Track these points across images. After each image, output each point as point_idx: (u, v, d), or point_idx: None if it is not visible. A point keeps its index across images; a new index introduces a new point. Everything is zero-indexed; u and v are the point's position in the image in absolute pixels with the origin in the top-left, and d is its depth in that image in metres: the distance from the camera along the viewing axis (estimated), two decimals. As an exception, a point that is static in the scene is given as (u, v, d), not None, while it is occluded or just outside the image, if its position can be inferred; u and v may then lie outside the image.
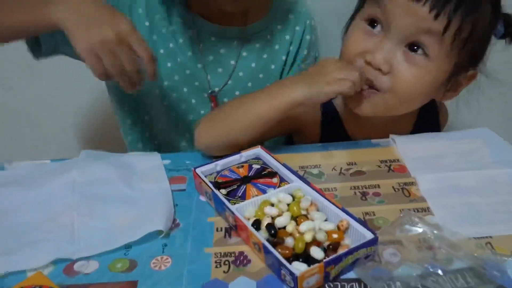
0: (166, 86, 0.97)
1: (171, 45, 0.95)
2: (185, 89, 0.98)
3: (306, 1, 1.03)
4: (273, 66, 1.00)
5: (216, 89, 0.99)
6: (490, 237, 0.61)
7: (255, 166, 0.74)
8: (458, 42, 0.74)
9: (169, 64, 0.96)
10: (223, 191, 0.68)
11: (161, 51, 0.95)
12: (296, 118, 0.87)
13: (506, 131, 0.88)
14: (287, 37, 1.00)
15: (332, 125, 0.91)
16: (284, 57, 1.00)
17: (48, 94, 1.32)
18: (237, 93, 0.99)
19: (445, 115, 1.00)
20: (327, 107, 0.90)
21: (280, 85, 0.79)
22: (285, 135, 0.99)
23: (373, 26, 0.78)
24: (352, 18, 0.84)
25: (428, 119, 0.94)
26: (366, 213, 0.67)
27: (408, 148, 0.80)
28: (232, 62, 0.97)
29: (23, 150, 1.38)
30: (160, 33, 0.94)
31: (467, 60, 0.77)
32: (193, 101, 1.00)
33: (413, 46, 0.75)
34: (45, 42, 0.87)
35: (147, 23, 0.93)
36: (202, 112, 1.01)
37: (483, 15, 0.74)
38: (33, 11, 0.75)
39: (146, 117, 1.05)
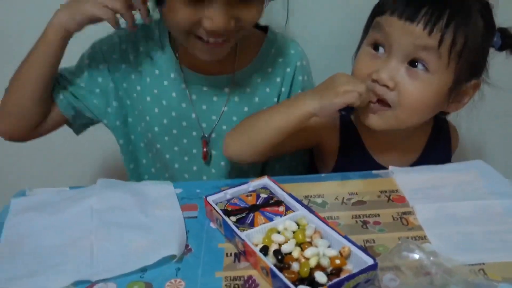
0: (157, 131, 1.03)
1: (163, 102, 1.01)
2: (174, 131, 1.03)
3: (295, 43, 1.06)
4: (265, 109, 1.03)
5: (213, 135, 1.03)
6: (483, 263, 0.65)
7: (263, 195, 0.78)
8: (454, 54, 0.82)
9: (156, 110, 1.02)
10: (233, 218, 0.73)
11: (148, 98, 1.01)
12: (315, 130, 0.96)
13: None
14: (278, 79, 1.02)
15: (350, 139, 0.98)
16: (275, 99, 1.03)
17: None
18: None
19: (456, 137, 1.06)
20: (345, 122, 0.98)
21: (295, 98, 0.90)
22: (307, 147, 1.05)
23: (377, 49, 0.87)
24: (359, 46, 0.93)
25: (440, 138, 1.01)
26: (367, 241, 0.71)
27: (407, 179, 0.84)
28: (225, 108, 1.01)
29: (34, 178, 1.42)
30: (146, 81, 1.01)
31: (467, 71, 0.85)
32: (185, 141, 1.04)
33: (414, 62, 0.84)
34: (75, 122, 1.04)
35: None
36: (194, 151, 1.05)
37: (475, 28, 0.83)
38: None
39: (144, 161, 1.10)
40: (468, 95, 0.90)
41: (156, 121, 1.02)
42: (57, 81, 0.99)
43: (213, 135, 1.03)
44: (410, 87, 0.84)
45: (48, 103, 0.98)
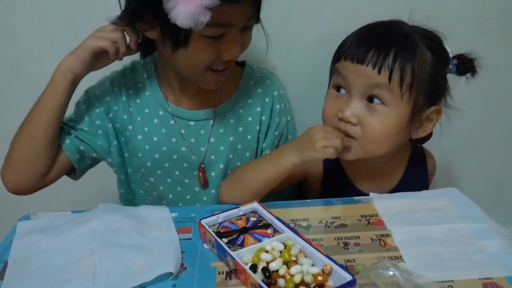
0: (150, 166, 1.10)
1: (154, 138, 1.08)
2: (166, 164, 1.09)
3: (271, 75, 1.15)
4: (249, 137, 1.10)
5: (202, 165, 1.09)
6: (452, 280, 0.72)
7: (252, 219, 0.85)
8: (405, 87, 0.90)
9: (147, 146, 1.08)
10: (225, 239, 0.79)
11: (139, 136, 1.08)
12: (302, 168, 1.04)
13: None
14: (258, 109, 1.10)
15: (333, 168, 1.07)
16: (258, 127, 1.10)
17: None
18: (221, 166, 1.09)
19: (433, 163, 1.13)
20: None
21: (279, 151, 0.97)
22: (296, 182, 1.13)
23: (339, 91, 0.97)
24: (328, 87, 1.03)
25: (417, 166, 1.09)
26: (348, 260, 0.78)
27: (385, 204, 0.91)
28: (212, 139, 1.08)
29: (35, 203, 1.47)
30: (137, 120, 1.08)
31: (423, 99, 0.93)
32: (177, 173, 1.10)
33: (371, 98, 0.92)
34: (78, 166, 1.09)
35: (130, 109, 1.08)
36: (186, 181, 1.11)
37: (422, 60, 0.91)
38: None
39: (140, 191, 1.17)
40: (432, 121, 0.97)
41: (148, 157, 1.09)
42: (61, 128, 1.03)
43: (203, 165, 1.09)
44: (371, 120, 0.92)
45: (56, 147, 1.03)
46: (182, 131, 1.07)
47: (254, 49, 1.08)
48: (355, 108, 0.92)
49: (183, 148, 1.08)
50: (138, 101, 1.08)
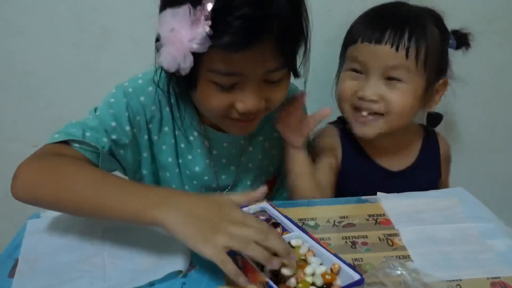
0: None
1: (189, 157, 1.02)
2: (195, 182, 1.04)
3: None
4: (274, 152, 1.09)
5: (229, 187, 1.06)
6: (460, 280, 0.72)
7: (261, 218, 0.85)
8: (420, 64, 0.98)
9: (187, 172, 1.03)
10: (234, 238, 0.79)
11: (169, 159, 1.01)
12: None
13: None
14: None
15: (352, 149, 1.13)
16: (282, 141, 1.06)
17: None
18: (249, 182, 1.08)
19: (445, 147, 1.19)
20: (344, 136, 1.13)
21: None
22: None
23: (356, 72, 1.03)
24: (338, 71, 1.11)
25: (431, 146, 1.16)
26: (355, 259, 0.78)
27: (393, 204, 0.92)
28: (242, 158, 1.06)
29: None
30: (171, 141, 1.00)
31: (434, 73, 1.01)
32: (203, 190, 1.06)
33: (390, 78, 0.99)
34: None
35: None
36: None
37: (432, 37, 0.99)
38: (134, 205, 0.74)
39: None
40: (440, 93, 1.06)
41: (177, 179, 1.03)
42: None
43: (231, 183, 1.07)
44: (393, 95, 0.99)
45: None
46: (215, 152, 1.04)
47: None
48: (375, 86, 0.99)
49: (214, 169, 1.04)
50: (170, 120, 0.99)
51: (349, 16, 1.25)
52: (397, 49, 0.96)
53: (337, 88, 1.09)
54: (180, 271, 0.75)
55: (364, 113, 1.02)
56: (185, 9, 0.74)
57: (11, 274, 0.77)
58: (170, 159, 1.02)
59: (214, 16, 0.73)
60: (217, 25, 0.73)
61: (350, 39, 1.03)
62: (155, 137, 1.00)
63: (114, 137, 0.93)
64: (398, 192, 0.95)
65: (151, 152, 1.01)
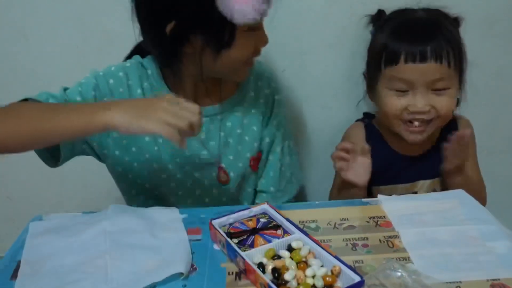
0: (171, 169, 1.08)
1: None
2: (187, 167, 1.09)
3: (268, 67, 1.19)
4: (254, 128, 1.12)
5: (216, 159, 1.09)
6: (460, 282, 0.73)
7: (262, 220, 0.86)
8: (456, 66, 1.05)
9: (168, 150, 1.06)
10: (235, 240, 0.80)
11: (160, 140, 1.06)
12: None
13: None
14: (261, 100, 1.13)
15: (373, 134, 1.21)
16: (261, 117, 1.13)
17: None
18: (231, 157, 1.11)
19: (466, 128, 1.19)
20: (370, 129, 1.22)
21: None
22: None
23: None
24: (370, 88, 1.17)
25: (450, 130, 1.13)
26: (356, 261, 0.78)
27: (393, 206, 0.92)
28: (222, 133, 1.10)
29: (47, 204, 1.50)
30: None
31: (462, 71, 1.09)
32: (197, 175, 1.10)
33: (436, 88, 1.05)
34: (64, 148, 0.96)
35: None
36: (206, 183, 1.11)
37: (456, 38, 1.07)
38: (82, 117, 0.82)
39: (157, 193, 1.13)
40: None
41: (170, 159, 1.07)
42: None
43: (215, 159, 1.10)
44: (442, 101, 1.06)
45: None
46: None
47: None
48: (425, 99, 1.05)
49: (196, 145, 1.08)
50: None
51: (349, 19, 1.26)
52: (440, 62, 1.02)
53: (376, 103, 1.15)
54: (182, 273, 0.76)
55: (417, 124, 1.08)
56: None
57: (14, 276, 0.78)
58: (147, 139, 1.06)
59: None
60: None
61: (389, 60, 1.06)
62: None
63: None
64: (419, 175, 1.16)
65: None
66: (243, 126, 1.12)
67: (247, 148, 1.12)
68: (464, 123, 1.21)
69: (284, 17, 1.27)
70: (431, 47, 1.02)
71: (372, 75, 1.13)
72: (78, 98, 0.99)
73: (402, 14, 1.11)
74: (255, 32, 0.96)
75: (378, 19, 1.16)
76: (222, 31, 0.91)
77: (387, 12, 1.16)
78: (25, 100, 0.94)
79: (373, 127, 1.23)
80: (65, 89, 1.02)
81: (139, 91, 1.04)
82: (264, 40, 1.00)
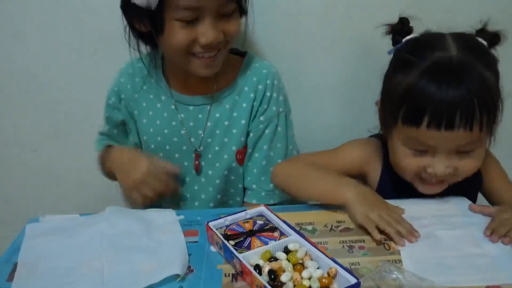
0: (153, 148, 1.17)
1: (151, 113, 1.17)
2: (167, 147, 1.16)
3: (270, 65, 1.16)
4: (243, 121, 1.13)
5: (201, 148, 1.15)
6: (455, 284, 0.72)
7: (259, 222, 0.86)
8: (489, 126, 0.87)
9: (151, 130, 1.17)
10: (232, 242, 0.80)
11: (144, 121, 1.17)
12: (360, 166, 1.06)
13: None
14: (252, 95, 1.13)
15: (391, 173, 1.01)
16: (249, 111, 1.14)
17: (70, 157, 1.45)
18: (216, 148, 1.14)
19: (490, 163, 1.04)
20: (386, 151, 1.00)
21: (340, 184, 0.94)
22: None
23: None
24: (384, 126, 0.98)
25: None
26: (352, 263, 0.79)
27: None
28: (209, 123, 1.13)
29: (44, 206, 1.49)
30: (142, 105, 1.17)
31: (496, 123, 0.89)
32: (177, 155, 1.16)
33: (462, 151, 0.88)
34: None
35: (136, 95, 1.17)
36: (186, 163, 1.16)
37: (492, 90, 0.86)
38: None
39: None
40: None
41: (152, 139, 1.17)
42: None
43: (201, 148, 1.15)
44: (466, 165, 0.89)
45: None
46: (182, 115, 1.14)
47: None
48: (447, 162, 0.88)
49: (182, 131, 1.14)
50: (144, 87, 1.16)
51: (346, 23, 1.26)
52: (470, 129, 0.84)
53: (389, 146, 0.97)
54: (178, 275, 0.76)
55: (434, 181, 0.92)
56: None
57: (10, 278, 0.78)
58: (144, 121, 1.17)
59: None
60: None
61: (408, 119, 0.87)
62: (131, 106, 1.18)
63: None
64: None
65: (134, 121, 1.19)
66: (231, 118, 1.13)
67: (233, 140, 1.14)
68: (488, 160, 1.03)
69: (281, 21, 1.27)
70: (461, 111, 0.82)
71: (387, 119, 0.95)
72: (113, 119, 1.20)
73: (431, 50, 0.88)
74: (194, 24, 0.97)
75: (401, 30, 0.98)
76: (154, 18, 0.97)
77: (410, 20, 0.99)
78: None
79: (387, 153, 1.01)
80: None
81: (129, 86, 1.17)
82: (205, 35, 0.98)
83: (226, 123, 1.13)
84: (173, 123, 1.14)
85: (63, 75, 1.35)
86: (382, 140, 1.04)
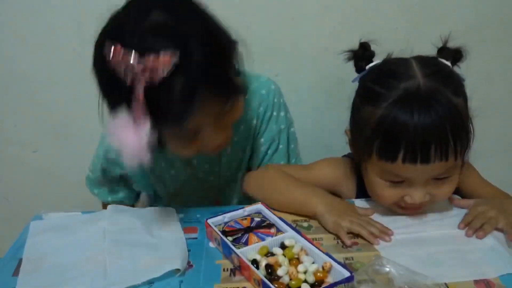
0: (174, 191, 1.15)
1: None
2: (189, 191, 1.14)
3: (267, 82, 1.12)
4: (249, 132, 1.11)
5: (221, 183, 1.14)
6: (446, 277, 0.75)
7: (256, 219, 0.89)
8: (463, 153, 0.86)
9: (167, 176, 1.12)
10: (230, 238, 0.83)
11: (157, 173, 1.12)
12: (333, 183, 1.06)
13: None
14: (254, 121, 1.10)
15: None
16: (255, 121, 1.11)
17: (70, 156, 1.48)
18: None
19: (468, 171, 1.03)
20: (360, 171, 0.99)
21: (310, 196, 0.94)
22: None
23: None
24: (356, 155, 0.97)
25: None
26: (346, 258, 0.81)
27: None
28: (223, 159, 1.11)
29: (44, 205, 1.51)
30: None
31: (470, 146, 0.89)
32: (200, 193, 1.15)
33: (438, 178, 0.88)
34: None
35: None
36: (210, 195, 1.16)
37: (463, 116, 0.85)
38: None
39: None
40: None
41: (171, 186, 1.14)
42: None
43: (221, 182, 1.15)
44: (443, 191, 0.89)
45: None
46: (195, 161, 1.10)
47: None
48: (423, 191, 0.88)
49: (200, 175, 1.12)
50: None
51: (341, 25, 1.29)
52: (446, 160, 0.83)
53: (364, 177, 0.96)
54: (178, 270, 0.78)
55: (410, 207, 0.91)
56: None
57: (15, 273, 0.80)
58: (157, 173, 1.12)
59: None
60: None
61: (383, 154, 0.86)
62: None
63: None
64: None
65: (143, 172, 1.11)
66: (233, 144, 1.10)
67: (244, 166, 1.14)
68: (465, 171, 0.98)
69: (278, 23, 1.30)
70: (435, 144, 0.82)
71: (360, 151, 0.92)
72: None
73: (397, 80, 0.86)
74: (197, 137, 0.87)
75: (363, 55, 0.97)
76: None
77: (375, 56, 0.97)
78: None
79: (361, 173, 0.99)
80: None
81: None
82: (212, 144, 0.91)
83: (235, 139, 1.10)
84: (188, 169, 1.11)
85: (63, 76, 1.38)
86: (355, 160, 1.02)
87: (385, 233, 0.87)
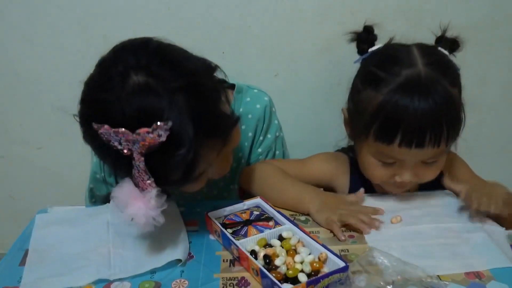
0: None
1: None
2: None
3: (261, 95, 1.14)
4: (246, 144, 1.14)
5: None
6: (437, 268, 0.78)
7: (255, 212, 0.92)
8: (452, 139, 0.92)
9: None
10: (229, 230, 0.86)
11: None
12: (327, 176, 1.09)
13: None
14: (250, 134, 1.13)
15: (359, 179, 1.05)
16: (251, 134, 1.13)
17: (74, 155, 1.50)
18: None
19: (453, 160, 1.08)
20: (355, 164, 1.05)
21: (303, 196, 0.97)
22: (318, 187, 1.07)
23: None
24: (353, 136, 1.02)
25: None
26: (342, 250, 0.84)
27: (378, 202, 0.98)
28: None
29: (48, 203, 1.53)
30: None
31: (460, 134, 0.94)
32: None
33: (427, 162, 0.93)
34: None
35: None
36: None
37: (458, 106, 0.91)
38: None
39: None
40: None
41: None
42: None
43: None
44: (430, 173, 0.95)
45: None
46: None
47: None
48: (413, 173, 0.93)
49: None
50: None
51: (339, 27, 1.32)
52: (438, 146, 0.89)
53: (357, 155, 1.01)
54: (180, 260, 0.81)
55: (398, 185, 0.97)
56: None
57: (22, 262, 0.83)
58: None
59: None
60: None
61: (380, 137, 0.90)
62: None
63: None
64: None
65: None
66: (236, 159, 1.12)
67: (241, 163, 1.16)
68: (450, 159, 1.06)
69: (277, 24, 1.33)
70: (430, 131, 0.87)
71: (357, 132, 0.97)
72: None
73: (399, 66, 0.89)
74: (201, 178, 0.85)
75: (366, 38, 1.01)
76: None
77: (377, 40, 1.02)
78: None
79: (356, 164, 1.04)
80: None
81: None
82: (216, 175, 0.91)
83: (234, 164, 1.12)
84: None
85: (67, 76, 1.40)
86: (349, 155, 1.10)
87: (376, 213, 0.93)
